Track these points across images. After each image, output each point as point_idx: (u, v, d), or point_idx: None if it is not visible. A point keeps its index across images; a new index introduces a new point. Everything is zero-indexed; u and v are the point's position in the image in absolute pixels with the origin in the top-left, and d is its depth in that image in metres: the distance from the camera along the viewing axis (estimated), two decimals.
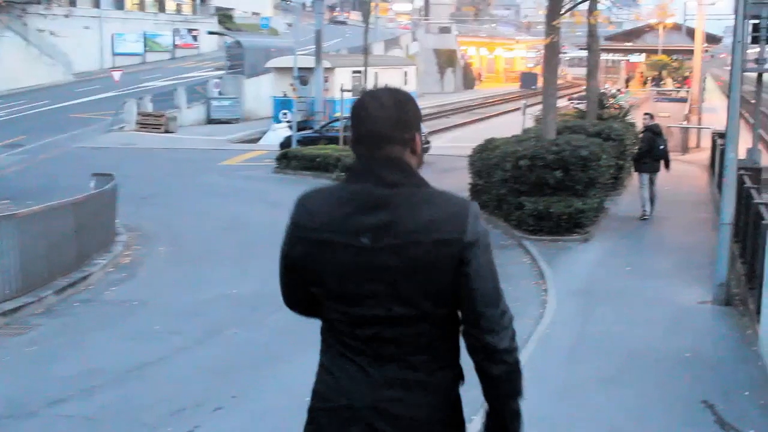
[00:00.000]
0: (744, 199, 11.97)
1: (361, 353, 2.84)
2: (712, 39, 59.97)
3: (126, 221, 17.13)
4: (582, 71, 46.91)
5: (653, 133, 18.19)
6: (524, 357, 8.17)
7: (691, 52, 47.72)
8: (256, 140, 37.56)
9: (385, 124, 2.80)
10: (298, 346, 9.43)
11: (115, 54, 64.18)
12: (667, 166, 18.25)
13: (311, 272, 2.87)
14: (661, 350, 9.07)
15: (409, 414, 2.80)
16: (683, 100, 42.85)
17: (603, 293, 11.31)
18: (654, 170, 18.09)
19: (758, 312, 9.33)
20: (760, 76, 20.03)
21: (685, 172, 26.48)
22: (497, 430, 2.95)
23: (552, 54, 17.79)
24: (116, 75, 40.76)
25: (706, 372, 8.37)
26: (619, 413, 7.23)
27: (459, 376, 2.91)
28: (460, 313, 2.85)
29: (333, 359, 2.91)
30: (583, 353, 8.66)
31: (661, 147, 18.00)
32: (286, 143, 29.44)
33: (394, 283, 2.76)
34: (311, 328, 9.31)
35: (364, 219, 2.76)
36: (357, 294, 2.80)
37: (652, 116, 19.09)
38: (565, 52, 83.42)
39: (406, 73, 49.20)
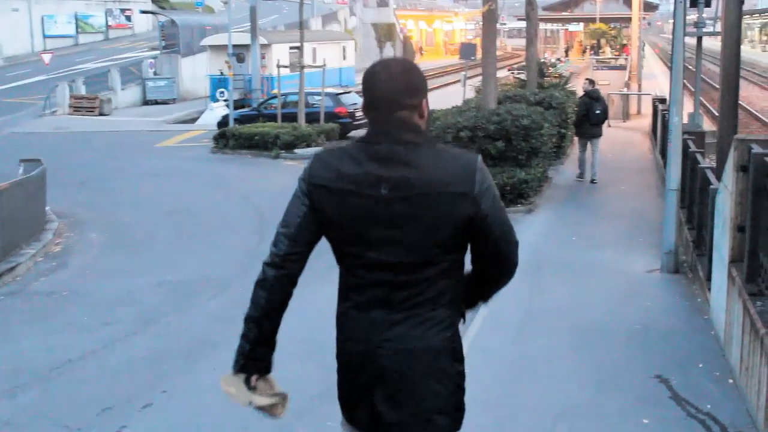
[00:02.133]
0: (689, 163, 11.75)
1: (373, 297, 3.15)
2: (649, 7, 60.30)
3: (58, 208, 16.51)
4: (521, 42, 46.72)
5: (590, 98, 18.34)
6: (471, 336, 7.84)
7: (628, 20, 47.86)
8: (193, 120, 36.92)
9: (395, 91, 3.09)
10: (237, 332, 9.03)
11: (45, 36, 62.65)
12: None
13: (330, 219, 3.15)
14: (612, 323, 8.77)
15: (409, 346, 3.12)
16: (622, 67, 42.94)
17: (550, 265, 11.00)
18: (593, 135, 18.26)
19: (708, 279, 9.11)
20: (699, 40, 19.89)
21: (628, 138, 26.43)
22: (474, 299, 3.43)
23: (490, 22, 17.45)
24: (46, 57, 39.67)
25: (659, 344, 8.08)
26: (571, 391, 6.90)
27: (460, 314, 3.28)
28: (477, 251, 3.21)
29: (348, 308, 3.22)
30: (532, 329, 8.33)
31: (597, 112, 18.15)
32: (223, 122, 28.95)
33: (409, 232, 3.06)
34: None
35: (383, 172, 3.04)
36: (373, 240, 3.10)
37: (592, 82, 19.20)
38: (504, 23, 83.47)
39: (344, 48, 48.76)
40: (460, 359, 3.23)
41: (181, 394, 7.24)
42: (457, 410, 3.25)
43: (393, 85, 3.12)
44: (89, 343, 8.77)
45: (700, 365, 7.37)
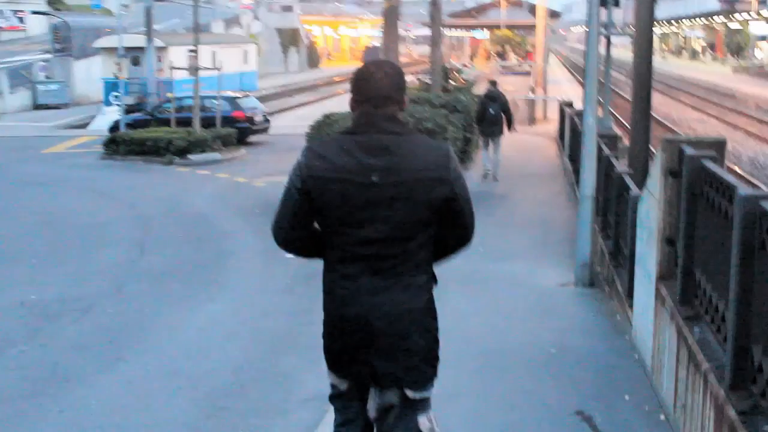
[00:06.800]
0: (604, 168, 10.90)
1: (362, 268, 3.59)
2: (553, 14, 60.39)
3: None
4: (427, 49, 46.16)
5: (487, 98, 18.72)
6: None
7: (532, 27, 47.60)
8: (86, 125, 35.33)
9: (389, 88, 3.59)
10: (96, 363, 7.83)
11: None
12: (509, 126, 18.91)
13: (324, 204, 3.58)
14: (524, 346, 7.78)
15: (399, 308, 3.58)
16: (527, 73, 42.71)
17: (452, 279, 9.84)
18: (491, 134, 18.61)
19: (628, 294, 8.23)
20: (608, 41, 19.33)
21: (534, 144, 25.83)
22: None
23: (391, 20, 16.57)
24: None
25: (578, 372, 7.09)
26: None
27: (434, 278, 3.78)
28: (447, 225, 3.69)
29: (337, 277, 3.65)
30: None
31: (492, 111, 18.37)
32: (115, 127, 27.47)
33: (395, 211, 3.53)
34: (114, 340, 7.45)
35: (372, 162, 3.50)
36: (364, 220, 3.54)
37: (494, 83, 19.57)
38: (408, 30, 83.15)
39: (246, 52, 47.50)
40: (435, 317, 3.75)
41: None
42: (435, 359, 3.76)
43: (387, 83, 3.61)
44: None
45: (627, 397, 6.42)
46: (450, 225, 3.71)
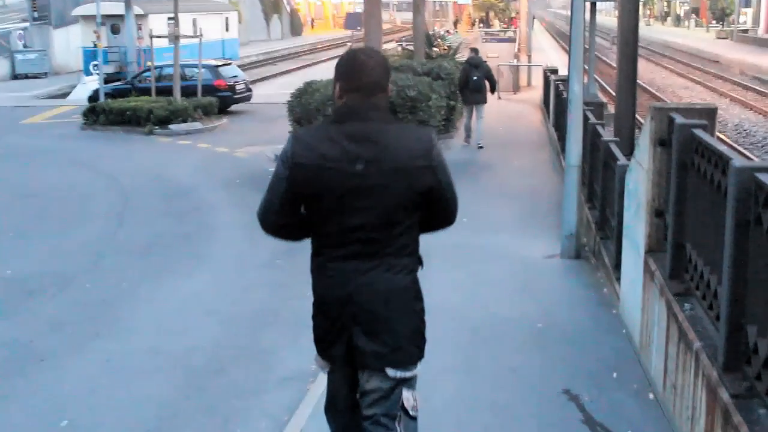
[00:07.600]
0: (590, 137, 10.71)
1: (348, 252, 3.67)
2: None
3: None
4: (410, 16, 45.69)
5: (470, 65, 18.66)
6: None
7: None
8: (65, 95, 34.84)
9: (380, 76, 3.68)
10: (73, 341, 7.65)
11: None
12: (492, 91, 19.23)
13: (310, 192, 3.65)
14: (509, 321, 7.61)
15: (383, 288, 3.67)
16: (511, 40, 42.39)
17: (436, 252, 9.63)
18: (475, 101, 18.58)
19: (615, 267, 8.08)
20: (593, 7, 19.06)
21: (518, 111, 25.60)
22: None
23: None
24: None
25: (564, 348, 6.92)
26: (455, 415, 5.73)
27: (419, 261, 3.85)
28: (431, 209, 3.77)
29: (323, 261, 3.74)
30: None
31: (476, 78, 18.38)
32: (94, 97, 27.08)
33: (381, 199, 3.61)
34: (91, 317, 7.27)
35: (358, 150, 3.57)
36: (351, 207, 3.61)
37: (475, 50, 19.60)
38: None
39: (227, 20, 46.97)
40: (420, 298, 3.81)
41: None
42: (421, 340, 3.82)
43: (379, 71, 3.66)
44: None
45: (614, 375, 6.26)
46: (434, 210, 3.79)
